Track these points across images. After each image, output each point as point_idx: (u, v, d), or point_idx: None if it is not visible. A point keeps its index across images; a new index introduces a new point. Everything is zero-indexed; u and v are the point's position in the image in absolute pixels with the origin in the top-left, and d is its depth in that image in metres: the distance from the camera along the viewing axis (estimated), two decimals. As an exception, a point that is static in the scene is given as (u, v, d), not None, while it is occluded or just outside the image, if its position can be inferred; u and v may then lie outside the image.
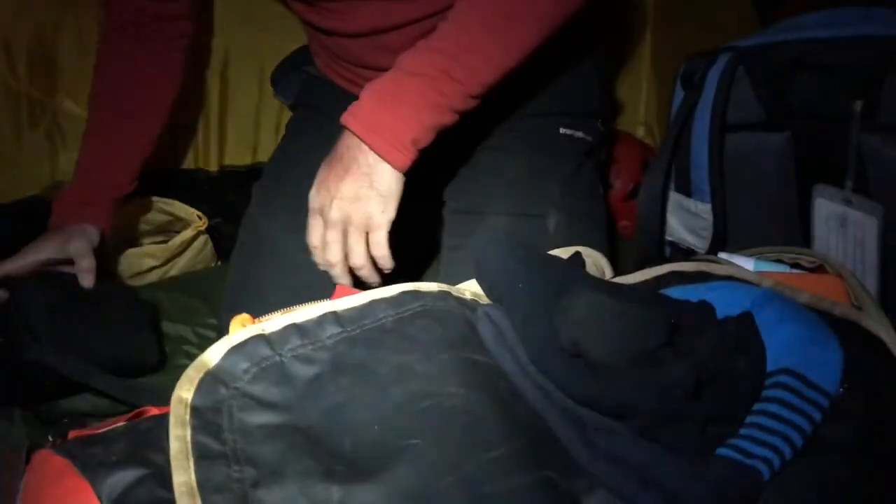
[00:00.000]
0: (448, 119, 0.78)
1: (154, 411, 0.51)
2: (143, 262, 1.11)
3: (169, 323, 1.00)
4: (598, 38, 1.08)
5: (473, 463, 0.42)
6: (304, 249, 0.82)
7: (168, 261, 1.13)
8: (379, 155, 0.75)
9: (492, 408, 0.46)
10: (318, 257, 0.81)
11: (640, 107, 1.66)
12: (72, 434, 0.52)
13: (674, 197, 1.01)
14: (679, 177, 1.00)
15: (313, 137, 1.02)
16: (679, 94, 0.99)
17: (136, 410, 0.53)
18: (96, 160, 1.00)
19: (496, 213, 0.96)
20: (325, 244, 0.79)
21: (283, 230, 0.98)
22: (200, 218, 1.15)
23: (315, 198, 0.79)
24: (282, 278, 0.97)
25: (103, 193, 0.99)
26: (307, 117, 1.11)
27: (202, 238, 1.17)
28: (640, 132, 1.66)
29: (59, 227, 0.94)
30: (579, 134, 1.00)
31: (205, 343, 0.97)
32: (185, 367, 0.45)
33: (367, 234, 0.78)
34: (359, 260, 0.78)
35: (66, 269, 0.93)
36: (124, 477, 0.41)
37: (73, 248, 0.92)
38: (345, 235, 0.78)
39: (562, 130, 0.99)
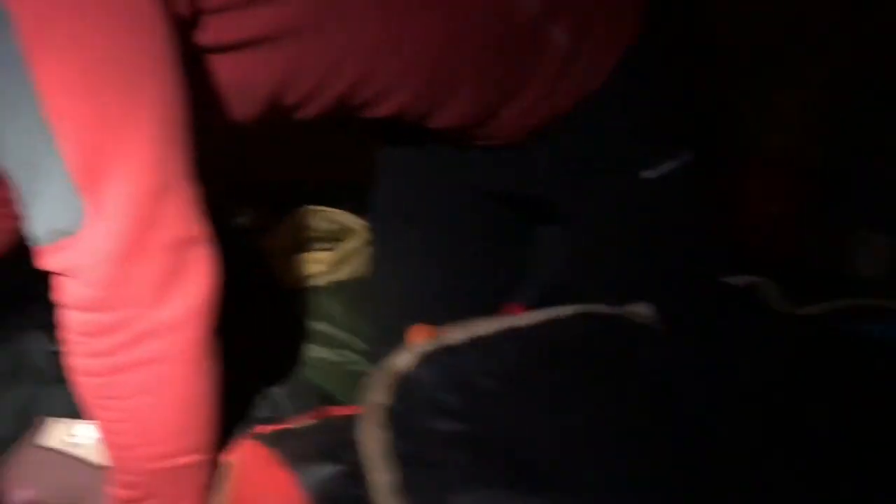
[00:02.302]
0: None
1: (337, 411, 0.54)
2: (310, 267, 1.16)
3: (330, 325, 1.04)
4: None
5: (646, 480, 0.43)
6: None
7: (335, 266, 1.18)
8: None
9: (663, 428, 0.46)
10: None
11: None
12: (258, 428, 0.56)
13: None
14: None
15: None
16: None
17: (318, 410, 0.57)
18: None
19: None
20: None
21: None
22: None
23: None
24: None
25: None
26: None
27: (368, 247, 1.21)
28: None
29: None
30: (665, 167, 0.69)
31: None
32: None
33: None
34: None
35: None
36: (322, 471, 0.45)
37: None
38: None
39: (643, 175, 0.70)
